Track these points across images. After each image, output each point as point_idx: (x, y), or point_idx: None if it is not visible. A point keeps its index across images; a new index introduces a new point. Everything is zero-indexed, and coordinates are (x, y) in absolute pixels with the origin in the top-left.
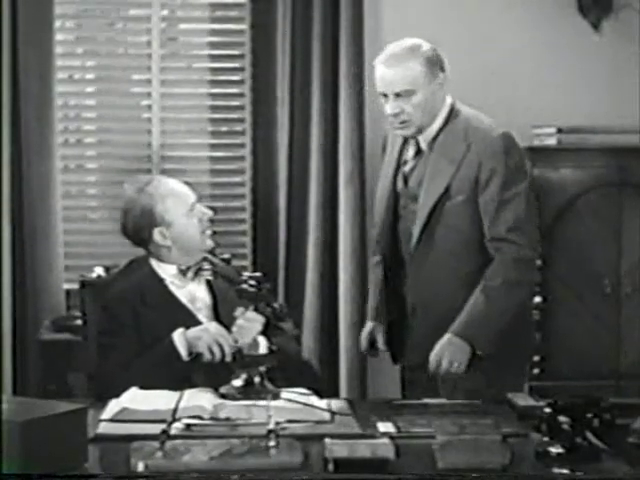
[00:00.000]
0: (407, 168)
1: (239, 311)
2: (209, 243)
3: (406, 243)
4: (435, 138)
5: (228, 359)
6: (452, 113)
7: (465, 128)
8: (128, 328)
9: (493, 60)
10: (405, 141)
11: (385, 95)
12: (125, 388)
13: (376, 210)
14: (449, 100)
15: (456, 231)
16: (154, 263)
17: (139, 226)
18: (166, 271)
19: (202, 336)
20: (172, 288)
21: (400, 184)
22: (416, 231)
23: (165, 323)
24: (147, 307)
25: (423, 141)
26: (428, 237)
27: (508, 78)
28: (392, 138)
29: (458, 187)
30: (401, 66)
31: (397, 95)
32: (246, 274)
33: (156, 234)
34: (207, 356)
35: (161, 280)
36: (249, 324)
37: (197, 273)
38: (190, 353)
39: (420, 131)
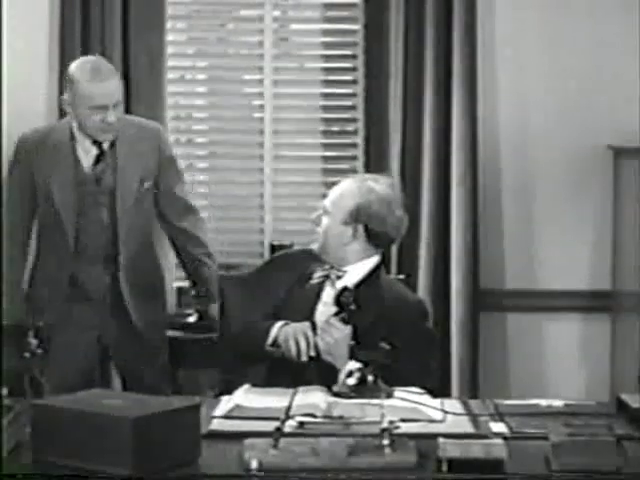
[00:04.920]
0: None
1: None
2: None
3: None
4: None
5: (303, 358)
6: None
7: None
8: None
9: (608, 60)
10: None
11: (99, 108)
12: None
13: None
14: None
15: None
16: None
17: None
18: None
19: (287, 330)
20: (321, 289)
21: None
22: None
23: (294, 313)
24: (296, 294)
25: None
26: None
27: (623, 78)
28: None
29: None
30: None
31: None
32: (344, 284)
33: None
34: (283, 349)
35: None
36: (330, 329)
37: (325, 279)
38: (273, 344)
39: None
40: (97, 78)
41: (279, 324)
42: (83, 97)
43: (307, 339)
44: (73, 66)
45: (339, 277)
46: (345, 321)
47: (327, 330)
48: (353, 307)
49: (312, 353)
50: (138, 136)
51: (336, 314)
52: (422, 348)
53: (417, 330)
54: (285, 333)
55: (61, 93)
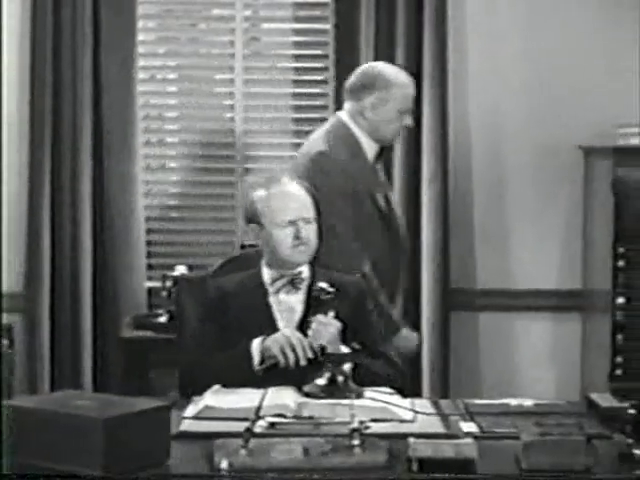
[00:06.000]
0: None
1: (314, 317)
2: (299, 260)
3: None
4: None
5: (303, 363)
6: None
7: None
8: (219, 323)
9: (578, 59)
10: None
11: (405, 112)
12: (204, 383)
13: None
14: None
15: None
16: (262, 263)
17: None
18: (266, 274)
19: (277, 339)
20: (268, 292)
21: None
22: None
23: (251, 325)
24: (241, 306)
25: None
26: None
27: (593, 77)
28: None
29: None
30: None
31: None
32: (320, 284)
33: (250, 230)
34: (280, 360)
35: (261, 282)
36: (322, 327)
37: (290, 283)
38: (262, 362)
39: None
40: (409, 83)
41: (257, 341)
42: (395, 100)
43: (301, 343)
44: (385, 70)
45: (302, 279)
46: (336, 316)
47: (322, 329)
48: (335, 302)
49: (310, 355)
50: None
51: (315, 313)
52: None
53: (366, 308)
54: (275, 344)
55: (32, 96)
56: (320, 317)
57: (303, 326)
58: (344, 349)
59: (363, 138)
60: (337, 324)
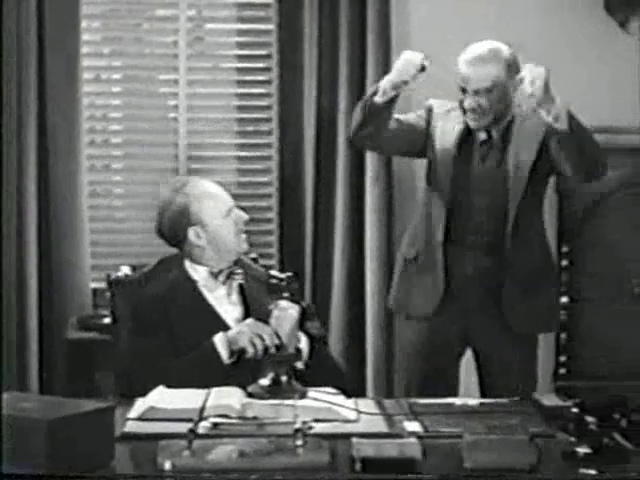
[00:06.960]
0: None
1: (273, 304)
2: (244, 246)
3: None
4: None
5: (272, 351)
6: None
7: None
8: (159, 329)
9: (522, 60)
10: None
11: (465, 91)
12: (152, 388)
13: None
14: None
15: None
16: (187, 264)
17: (174, 226)
18: (199, 273)
19: (243, 331)
20: (203, 290)
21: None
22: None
23: (195, 326)
24: (178, 309)
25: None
26: None
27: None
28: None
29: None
30: (485, 67)
31: (475, 92)
32: (272, 272)
33: (191, 233)
34: (250, 350)
35: (193, 282)
36: (284, 313)
37: (229, 277)
38: (231, 354)
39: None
40: (475, 61)
41: (219, 336)
42: (459, 77)
43: (267, 330)
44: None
45: (239, 272)
46: (294, 301)
47: (284, 314)
48: (291, 287)
49: (276, 342)
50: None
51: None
52: None
53: None
54: (243, 336)
55: None
56: (281, 303)
57: (249, 317)
58: (302, 335)
59: None
60: (296, 307)
